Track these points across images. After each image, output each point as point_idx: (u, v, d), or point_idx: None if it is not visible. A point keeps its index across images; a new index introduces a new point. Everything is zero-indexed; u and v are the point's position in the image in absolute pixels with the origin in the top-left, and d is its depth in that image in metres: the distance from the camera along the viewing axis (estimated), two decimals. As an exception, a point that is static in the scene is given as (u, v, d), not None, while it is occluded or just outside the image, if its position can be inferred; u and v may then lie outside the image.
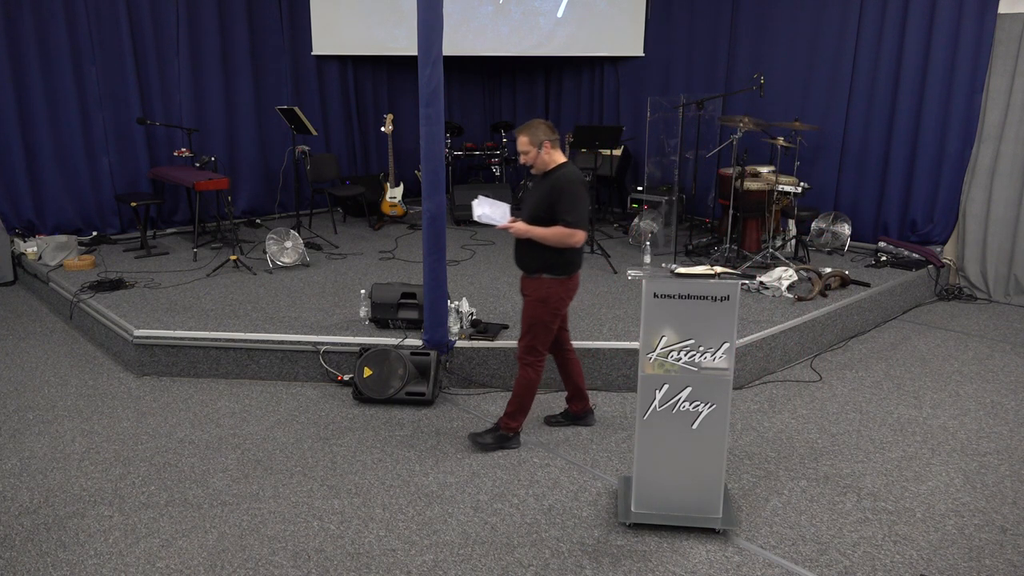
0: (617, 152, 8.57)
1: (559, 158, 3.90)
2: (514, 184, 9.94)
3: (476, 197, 4.02)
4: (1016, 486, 3.84)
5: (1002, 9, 6.39)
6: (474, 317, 5.15)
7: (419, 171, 4.83)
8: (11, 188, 7.26)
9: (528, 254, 3.93)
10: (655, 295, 3.28)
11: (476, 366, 4.94)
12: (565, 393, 4.46)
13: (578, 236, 3.80)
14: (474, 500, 3.71)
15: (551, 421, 4.46)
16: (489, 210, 4.00)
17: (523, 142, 3.86)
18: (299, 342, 5.00)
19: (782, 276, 5.95)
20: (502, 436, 4.17)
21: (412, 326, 5.13)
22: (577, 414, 4.43)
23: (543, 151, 3.85)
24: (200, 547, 3.34)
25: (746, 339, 4.98)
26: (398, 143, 9.06)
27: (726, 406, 3.36)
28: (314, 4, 8.73)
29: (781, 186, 6.45)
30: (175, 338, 5.09)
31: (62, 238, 6.99)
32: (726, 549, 3.34)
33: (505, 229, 3.92)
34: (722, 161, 7.42)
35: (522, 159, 3.90)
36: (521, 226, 3.87)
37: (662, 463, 3.44)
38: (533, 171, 3.96)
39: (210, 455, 4.12)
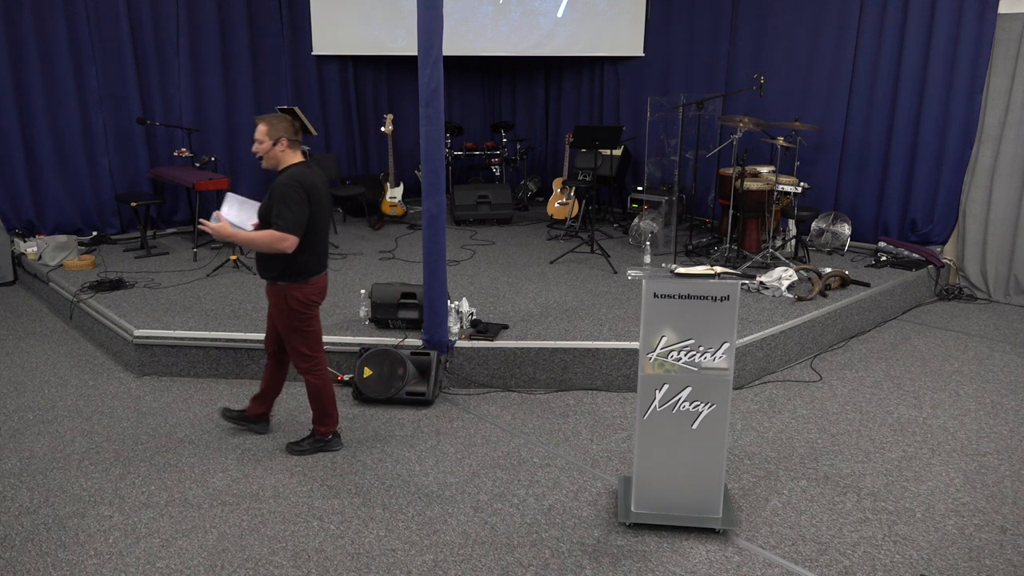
0: (617, 152, 8.56)
1: (292, 159, 3.77)
2: (514, 184, 9.94)
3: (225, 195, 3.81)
4: (1016, 486, 3.85)
5: (1002, 9, 6.39)
6: (474, 317, 5.15)
7: (419, 171, 4.81)
8: (11, 188, 7.26)
9: (263, 262, 3.82)
10: (655, 295, 3.28)
11: (476, 366, 4.94)
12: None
13: (289, 241, 3.62)
14: (474, 500, 3.71)
15: (226, 414, 4.35)
16: (228, 210, 3.81)
17: (261, 131, 3.71)
18: (299, 342, 4.99)
19: (782, 276, 5.95)
20: (319, 440, 4.14)
21: (412, 326, 5.13)
22: (252, 416, 4.33)
23: (278, 147, 3.71)
24: (200, 547, 3.34)
25: (746, 339, 4.98)
26: (398, 143, 9.06)
27: (726, 406, 3.36)
28: (314, 4, 8.73)
29: (781, 186, 6.45)
30: (175, 338, 5.09)
31: (62, 238, 6.99)
32: (726, 549, 3.34)
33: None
34: (722, 161, 7.42)
35: (254, 147, 3.76)
36: (225, 229, 3.72)
37: (662, 463, 3.44)
38: (264, 165, 3.80)
39: (210, 455, 4.12)
